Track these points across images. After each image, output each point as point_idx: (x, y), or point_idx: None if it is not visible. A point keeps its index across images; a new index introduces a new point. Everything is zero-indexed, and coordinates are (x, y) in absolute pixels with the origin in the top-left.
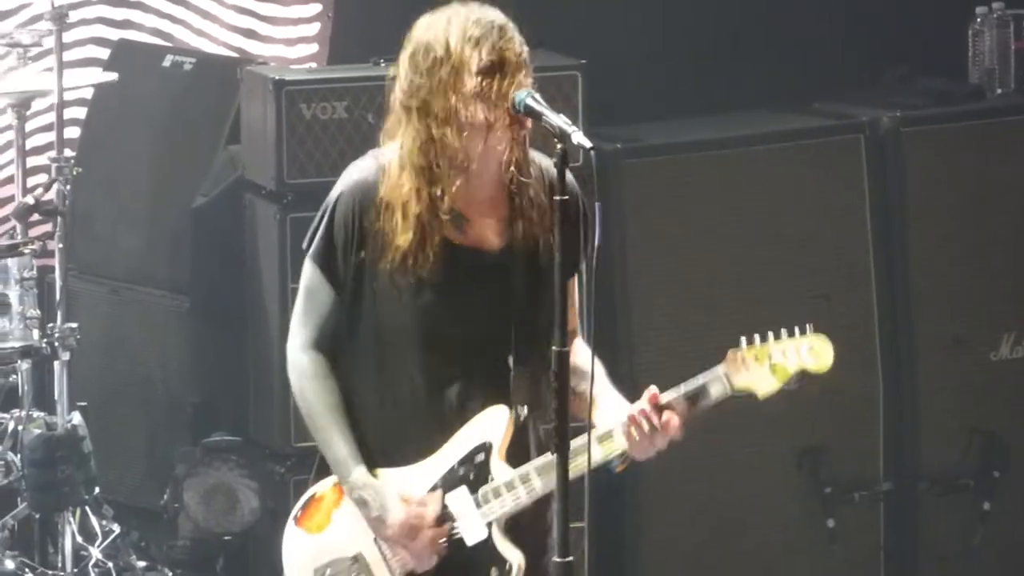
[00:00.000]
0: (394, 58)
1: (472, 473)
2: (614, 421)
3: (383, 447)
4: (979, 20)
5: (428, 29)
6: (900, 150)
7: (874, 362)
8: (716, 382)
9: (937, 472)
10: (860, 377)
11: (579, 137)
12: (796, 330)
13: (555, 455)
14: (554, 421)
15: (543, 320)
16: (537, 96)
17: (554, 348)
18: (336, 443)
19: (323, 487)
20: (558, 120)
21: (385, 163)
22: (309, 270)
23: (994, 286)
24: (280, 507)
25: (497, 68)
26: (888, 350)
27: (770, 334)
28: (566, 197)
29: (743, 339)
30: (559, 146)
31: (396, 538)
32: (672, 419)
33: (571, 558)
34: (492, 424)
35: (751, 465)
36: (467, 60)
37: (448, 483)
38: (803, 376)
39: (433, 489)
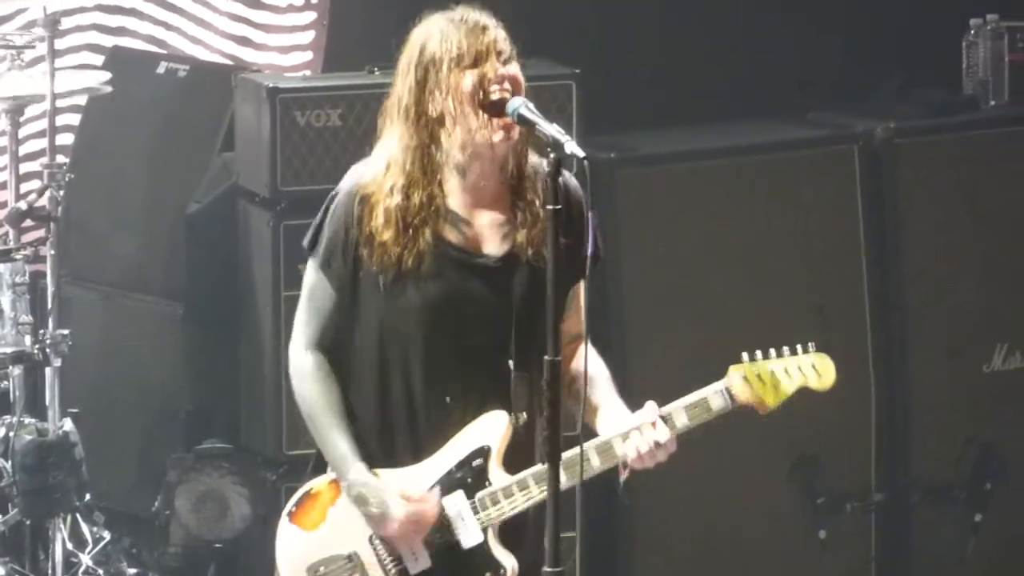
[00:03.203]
0: (388, 66)
1: (470, 477)
2: (613, 431)
3: (382, 448)
4: (973, 32)
5: (413, 35)
6: (894, 161)
7: (867, 373)
8: (717, 396)
9: (929, 483)
10: (853, 388)
11: (572, 146)
12: (799, 347)
13: (547, 463)
14: (546, 430)
15: (545, 325)
16: (531, 105)
17: (546, 358)
18: (335, 442)
19: (319, 483)
20: (551, 129)
21: (382, 163)
22: (310, 270)
23: (988, 297)
24: (272, 514)
25: (468, 57)
26: (881, 361)
27: (772, 351)
28: (559, 207)
29: (745, 355)
30: (552, 155)
31: (397, 534)
32: (670, 434)
33: (562, 568)
34: (491, 429)
35: (743, 475)
36: (440, 55)
37: (446, 486)
38: (804, 393)
39: (432, 488)
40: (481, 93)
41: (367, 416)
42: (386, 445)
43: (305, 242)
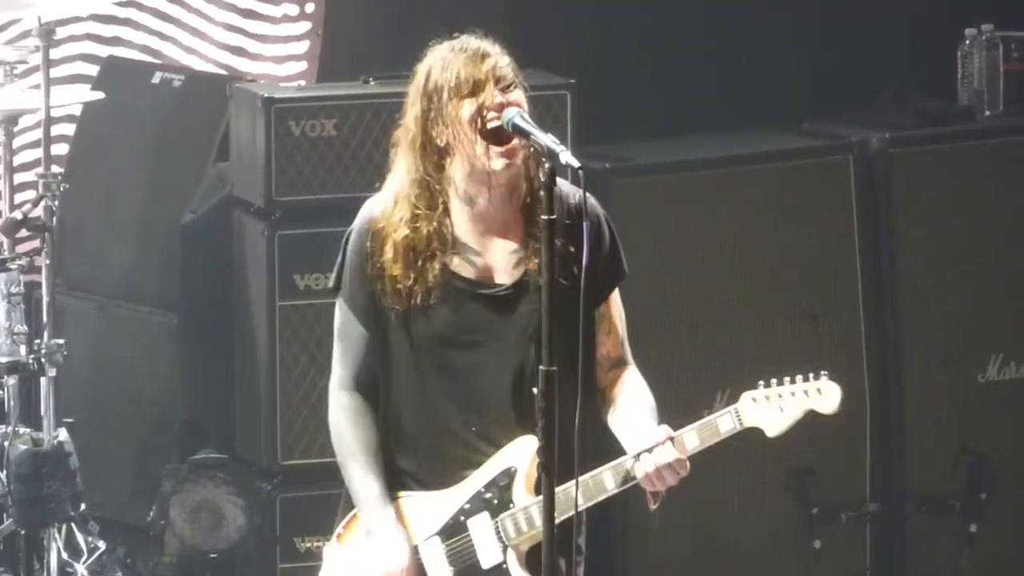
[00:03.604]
0: (383, 76)
1: (496, 498)
2: (630, 451)
3: (415, 471)
4: (968, 42)
5: (421, 64)
6: (889, 171)
7: (862, 383)
8: (727, 417)
9: (924, 493)
10: (847, 398)
11: (567, 156)
12: (811, 376)
13: (542, 474)
14: (540, 440)
15: (568, 350)
16: (526, 115)
17: (540, 368)
18: (359, 483)
19: None
20: (546, 139)
21: (391, 196)
22: (338, 309)
23: (982, 307)
24: (266, 524)
25: (467, 86)
26: (876, 371)
27: (786, 379)
28: (554, 216)
29: (761, 383)
30: (547, 165)
31: None
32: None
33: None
34: (519, 452)
35: (739, 485)
36: (441, 84)
37: (474, 507)
38: (811, 416)
39: (459, 516)
40: (479, 121)
41: (401, 442)
42: (418, 470)
43: (331, 283)
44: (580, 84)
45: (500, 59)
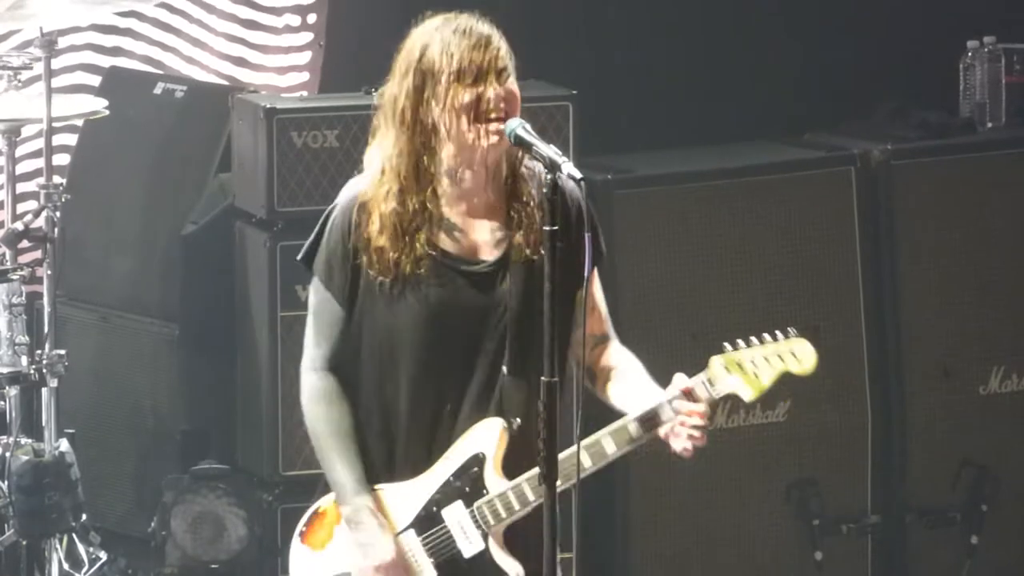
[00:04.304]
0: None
1: (467, 486)
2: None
3: (385, 459)
4: (970, 54)
5: (413, 36)
6: (891, 182)
7: (863, 394)
8: (700, 387)
9: (925, 505)
10: (848, 409)
11: (569, 168)
12: (778, 334)
13: (543, 484)
14: (542, 451)
15: (542, 330)
16: (528, 127)
17: (543, 379)
18: (338, 468)
19: (326, 502)
20: (548, 151)
21: (377, 168)
22: (314, 290)
23: (984, 319)
24: (268, 535)
25: (470, 75)
26: (877, 382)
27: (753, 339)
28: (556, 227)
29: (727, 344)
30: (549, 176)
31: (380, 570)
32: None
33: None
34: (486, 436)
35: (740, 497)
36: (440, 67)
37: (445, 496)
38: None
39: (431, 507)
40: (476, 110)
41: (371, 426)
42: (388, 456)
43: (299, 258)
44: (582, 95)
45: (501, 47)
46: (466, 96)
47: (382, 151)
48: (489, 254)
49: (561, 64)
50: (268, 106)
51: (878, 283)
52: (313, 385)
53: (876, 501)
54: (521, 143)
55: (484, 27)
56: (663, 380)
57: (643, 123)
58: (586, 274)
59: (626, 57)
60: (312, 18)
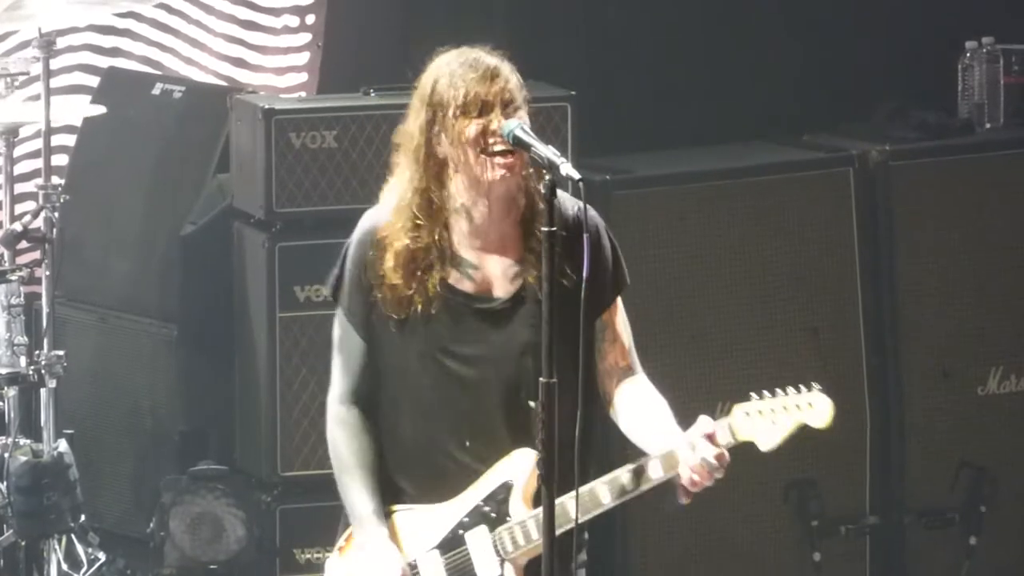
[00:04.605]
0: (383, 88)
1: (493, 512)
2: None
3: (410, 486)
4: (969, 54)
5: (427, 71)
6: (889, 183)
7: (861, 395)
8: (723, 431)
9: (924, 506)
10: (847, 410)
11: (568, 168)
12: (801, 387)
13: (542, 487)
14: (540, 452)
15: (567, 362)
16: (526, 127)
17: (541, 379)
18: (356, 499)
19: None
20: (547, 151)
21: (393, 203)
22: (338, 319)
23: (982, 320)
24: (266, 536)
25: (475, 107)
26: (875, 383)
27: (778, 391)
28: (554, 228)
29: (753, 394)
30: (547, 177)
31: None
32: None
33: None
34: (517, 466)
35: (738, 498)
36: (448, 100)
37: (472, 520)
38: (803, 430)
39: (457, 530)
40: (482, 143)
41: (397, 456)
42: (415, 484)
43: (327, 292)
44: (580, 96)
45: (509, 80)
46: (472, 129)
47: (399, 186)
48: (502, 291)
49: (560, 65)
50: (266, 107)
51: (877, 284)
52: (338, 418)
53: (875, 502)
54: (519, 144)
55: (492, 60)
56: (663, 383)
57: (642, 124)
58: (584, 274)
59: (625, 58)
60: (310, 19)
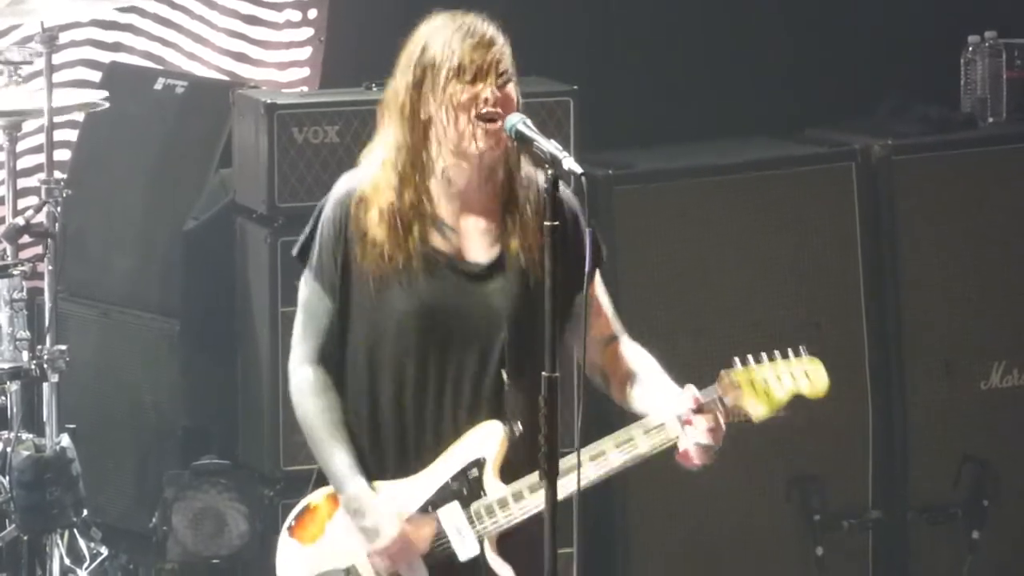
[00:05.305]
0: (386, 82)
1: (465, 488)
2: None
3: (376, 460)
4: (971, 49)
5: (417, 32)
6: (892, 178)
7: (864, 390)
8: (711, 401)
9: (926, 501)
10: (850, 405)
11: (570, 163)
12: (790, 353)
13: (544, 481)
14: (544, 447)
15: (541, 335)
16: (528, 122)
17: (544, 374)
18: (334, 457)
19: (317, 497)
20: (549, 146)
21: (377, 162)
22: (304, 283)
23: (985, 315)
24: (269, 531)
25: (469, 73)
26: (878, 378)
27: (764, 355)
28: (556, 223)
29: (737, 360)
30: (550, 172)
31: (389, 553)
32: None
33: None
34: (486, 440)
35: (740, 493)
36: (440, 62)
37: (441, 498)
38: (797, 400)
39: (427, 507)
40: (474, 110)
41: (363, 428)
42: (379, 457)
43: (295, 252)
44: (582, 91)
45: (504, 48)
46: (463, 94)
47: (384, 145)
48: (481, 256)
49: (561, 60)
50: (269, 102)
51: (879, 278)
52: (303, 378)
53: (877, 497)
54: (522, 138)
55: (488, 28)
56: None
57: (644, 119)
58: (587, 269)
59: (627, 53)
60: (312, 13)
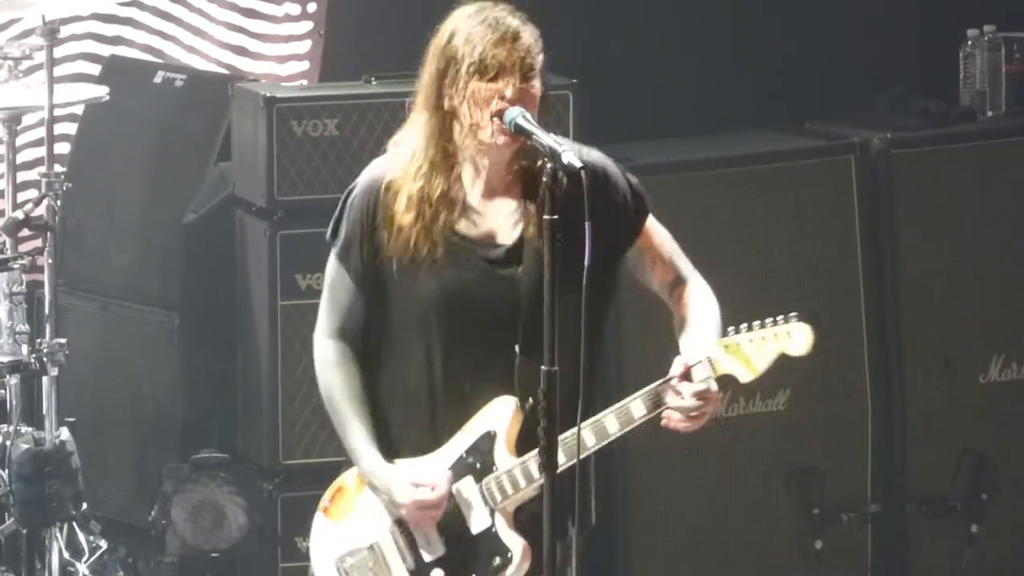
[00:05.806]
0: (385, 76)
1: (478, 463)
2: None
3: (402, 437)
4: (970, 42)
5: (447, 21)
6: (891, 171)
7: (863, 384)
8: (701, 367)
9: (925, 494)
10: (849, 398)
11: (569, 156)
12: (778, 318)
13: (543, 473)
14: (543, 440)
15: (563, 314)
16: (528, 115)
17: (542, 368)
18: (350, 431)
19: (349, 476)
20: (548, 139)
21: (407, 149)
22: (331, 262)
23: (984, 308)
24: (268, 524)
25: (491, 70)
26: (877, 372)
27: (756, 323)
28: (555, 217)
29: (731, 329)
30: (549, 165)
31: (407, 519)
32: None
33: None
34: (498, 414)
35: (740, 486)
36: (461, 56)
37: (456, 472)
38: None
39: (444, 473)
40: (493, 106)
41: (387, 407)
42: (407, 435)
43: (327, 235)
44: (582, 84)
45: (530, 45)
46: (484, 91)
47: (414, 132)
48: (506, 238)
49: (561, 53)
50: (268, 95)
51: (878, 272)
52: (324, 350)
53: (876, 490)
54: (521, 132)
55: (514, 21)
56: (663, 371)
57: (643, 112)
58: (586, 264)
59: (626, 46)
60: (312, 7)
